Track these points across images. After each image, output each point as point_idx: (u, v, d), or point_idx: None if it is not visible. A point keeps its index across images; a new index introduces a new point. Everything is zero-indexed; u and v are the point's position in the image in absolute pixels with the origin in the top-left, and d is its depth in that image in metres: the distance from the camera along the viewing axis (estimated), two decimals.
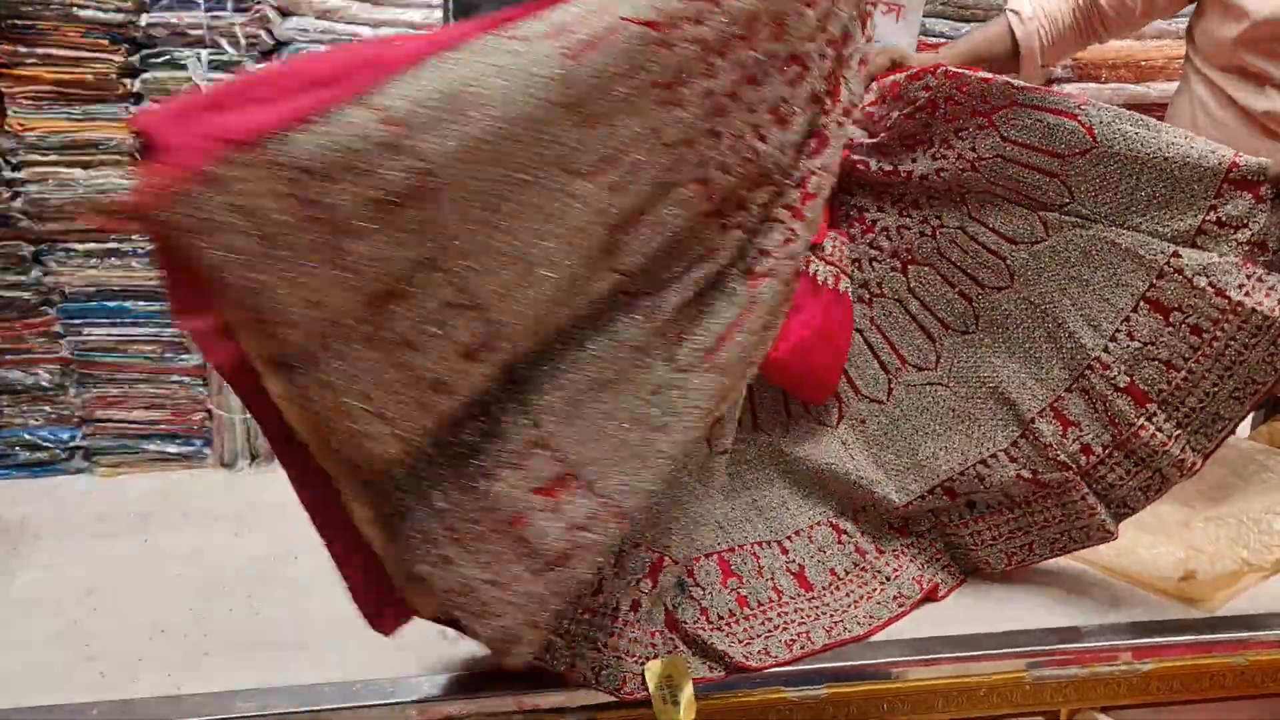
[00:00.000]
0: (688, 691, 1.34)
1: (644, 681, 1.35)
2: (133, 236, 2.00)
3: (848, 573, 1.56)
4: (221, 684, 1.39)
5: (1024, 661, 1.46)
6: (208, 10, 1.93)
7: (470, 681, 1.40)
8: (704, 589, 1.48)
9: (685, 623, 1.43)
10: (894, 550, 1.60)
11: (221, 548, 1.78)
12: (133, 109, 1.95)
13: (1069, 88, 2.23)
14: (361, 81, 0.98)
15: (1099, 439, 1.49)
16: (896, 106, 1.53)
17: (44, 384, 2.06)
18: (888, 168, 1.58)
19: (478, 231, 1.03)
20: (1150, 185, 1.41)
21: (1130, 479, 1.50)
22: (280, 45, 1.99)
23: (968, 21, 2.17)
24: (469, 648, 1.48)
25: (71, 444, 2.09)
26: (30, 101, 1.91)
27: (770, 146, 1.24)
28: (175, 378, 2.09)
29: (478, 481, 1.14)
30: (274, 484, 2.02)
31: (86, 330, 2.04)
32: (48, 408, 2.08)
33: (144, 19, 1.91)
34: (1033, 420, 1.52)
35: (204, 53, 1.94)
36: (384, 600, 1.26)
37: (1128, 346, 1.46)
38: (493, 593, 1.15)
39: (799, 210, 1.30)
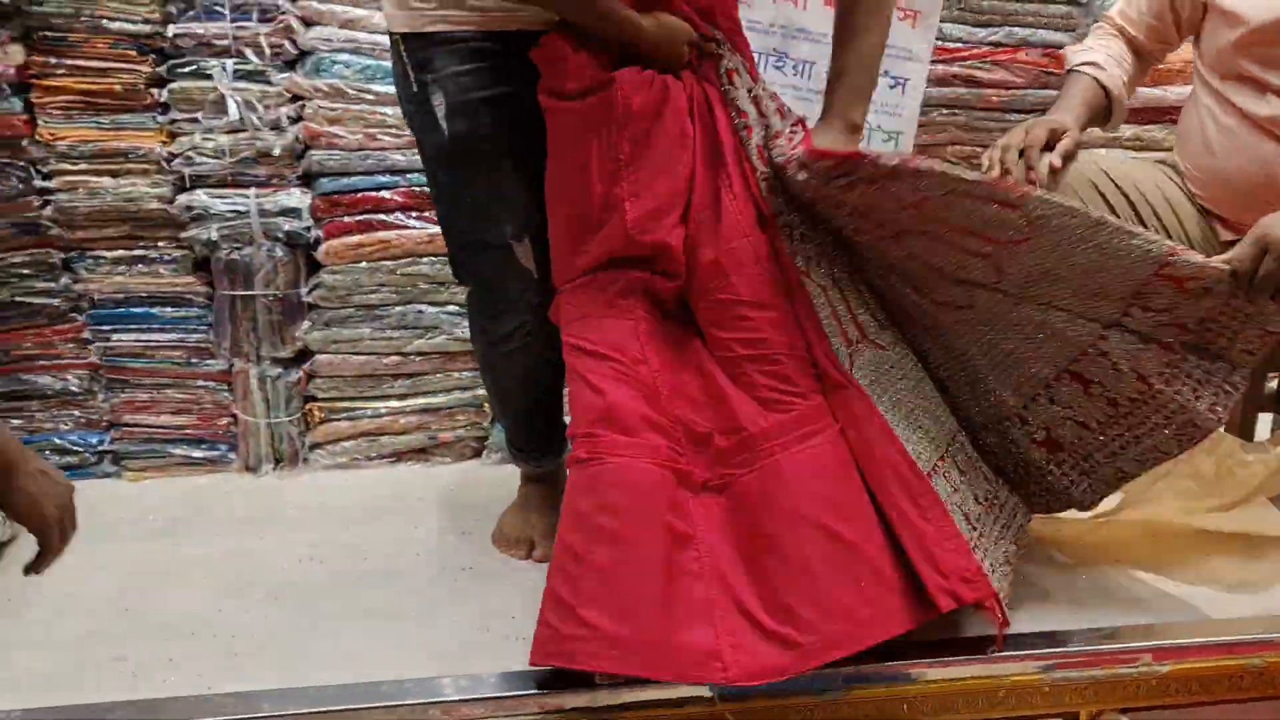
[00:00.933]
0: None
1: None
2: (159, 244, 2.04)
3: None
4: (249, 684, 1.42)
5: (1043, 663, 1.46)
6: (233, 21, 1.95)
7: (493, 683, 1.42)
8: None
9: None
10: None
11: (248, 550, 1.80)
12: (160, 119, 1.98)
13: None
14: None
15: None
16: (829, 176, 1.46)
17: (73, 389, 2.08)
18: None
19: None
20: (1082, 276, 1.41)
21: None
22: (304, 55, 2.01)
23: (985, 27, 2.17)
24: (492, 650, 1.50)
25: (100, 448, 2.11)
26: (60, 111, 1.94)
27: None
28: (201, 383, 2.12)
29: None
30: (297, 488, 2.07)
31: (114, 336, 2.07)
32: (77, 412, 2.10)
33: (170, 30, 1.94)
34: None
35: (229, 62, 1.96)
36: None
37: (1047, 409, 1.52)
38: None
39: None
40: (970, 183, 1.41)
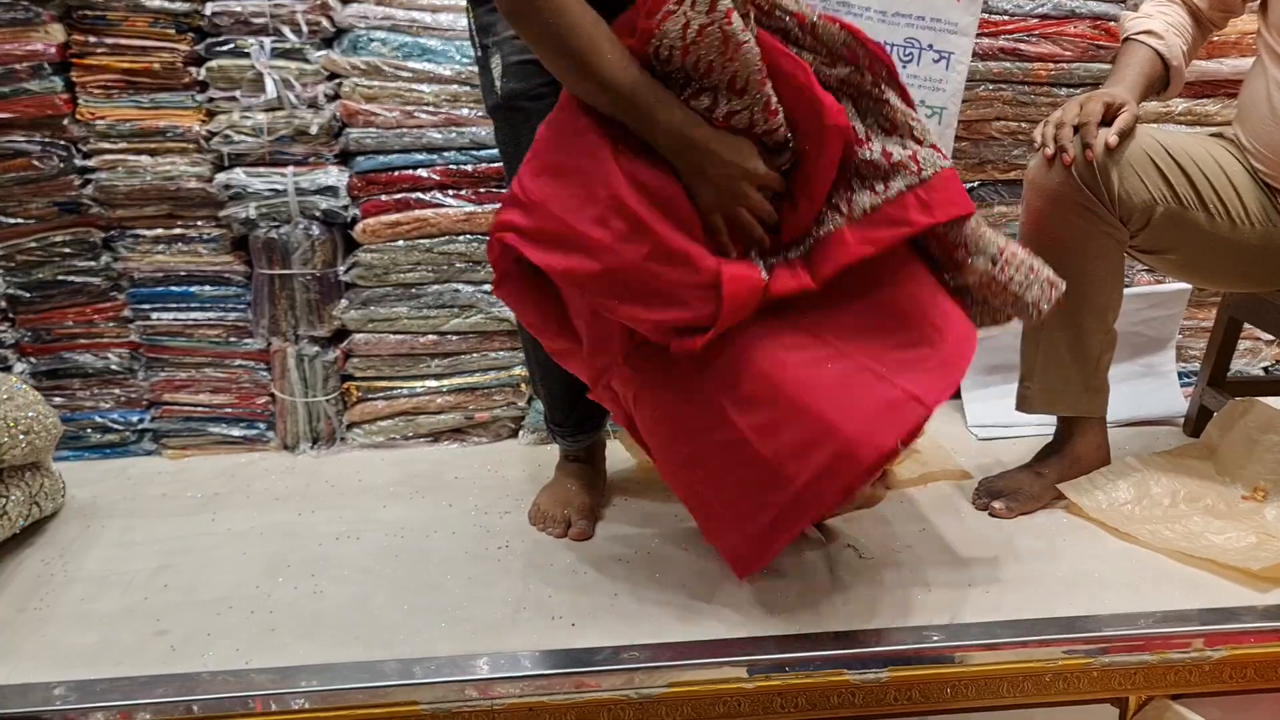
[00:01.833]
0: None
1: None
2: (197, 222, 2.04)
3: None
4: (287, 659, 1.42)
5: (1092, 647, 1.43)
6: None
7: (529, 661, 1.41)
8: None
9: None
10: None
11: (286, 528, 1.81)
12: (198, 97, 1.98)
13: None
14: None
15: None
16: None
17: (114, 367, 2.10)
18: None
19: None
20: None
21: None
22: (341, 32, 2.00)
23: None
24: (529, 629, 1.49)
25: (140, 426, 2.13)
26: (100, 90, 1.95)
27: None
28: (239, 362, 2.12)
29: None
30: (335, 466, 2.08)
31: (154, 315, 2.08)
32: (117, 390, 2.12)
33: (208, 8, 1.93)
34: None
35: (267, 40, 1.96)
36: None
37: None
38: None
39: None
40: None
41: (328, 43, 2.01)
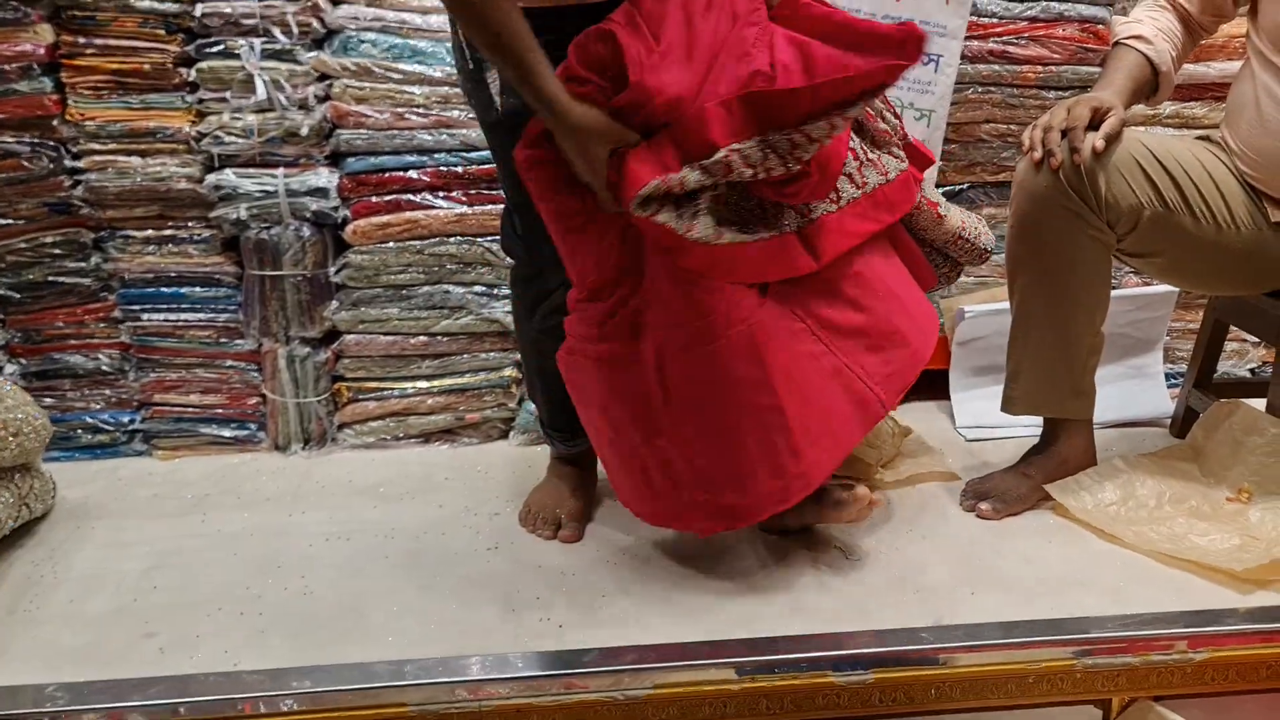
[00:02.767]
0: None
1: None
2: (188, 223, 2.04)
3: None
4: (277, 661, 1.42)
5: (1076, 648, 1.44)
6: (260, 0, 1.95)
7: (518, 662, 1.42)
8: None
9: None
10: None
11: (276, 528, 1.81)
12: (188, 98, 1.98)
13: None
14: None
15: None
16: None
17: (104, 368, 2.10)
18: None
19: None
20: None
21: None
22: (331, 33, 2.00)
23: (1021, 2, 2.13)
24: (519, 630, 1.50)
25: (131, 427, 2.13)
26: (90, 91, 1.95)
27: None
28: (230, 363, 2.13)
29: None
30: (325, 467, 2.08)
31: (145, 316, 2.08)
32: (108, 391, 2.12)
33: (198, 8, 1.93)
34: None
35: (257, 42, 1.96)
36: None
37: None
38: None
39: None
40: None
41: (318, 44, 2.01)
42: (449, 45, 2.01)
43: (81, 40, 1.93)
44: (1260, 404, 1.91)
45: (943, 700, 1.44)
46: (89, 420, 2.11)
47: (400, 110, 2.02)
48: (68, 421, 2.10)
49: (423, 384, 2.16)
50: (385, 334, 2.12)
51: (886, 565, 1.66)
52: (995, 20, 2.14)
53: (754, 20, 1.45)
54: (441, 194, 2.06)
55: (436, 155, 2.05)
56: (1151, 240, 1.72)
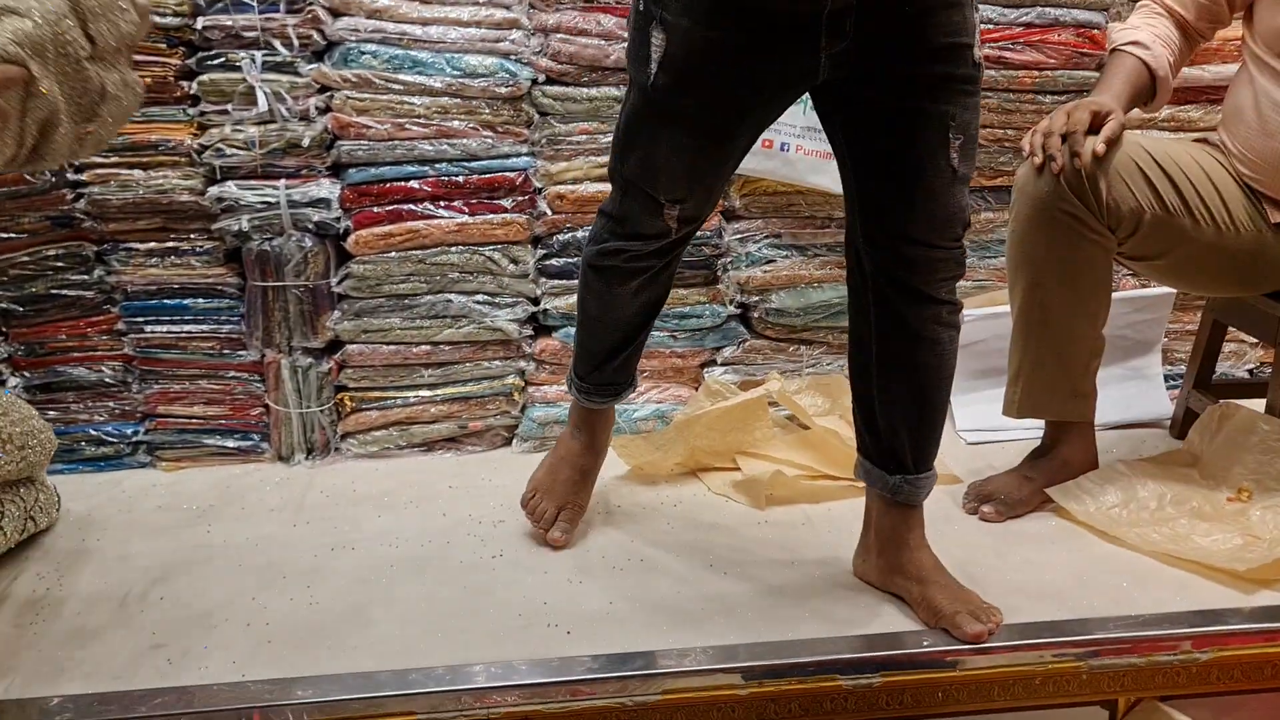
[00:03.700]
0: None
1: None
2: (190, 235, 2.05)
3: None
4: (284, 671, 1.43)
5: (1082, 650, 1.44)
6: (260, 12, 1.96)
7: (525, 670, 1.42)
8: None
9: None
10: None
11: (281, 539, 1.81)
12: (190, 111, 1.99)
13: None
14: None
15: None
16: None
17: (107, 380, 2.10)
18: None
19: None
20: None
21: None
22: (331, 45, 2.01)
23: (1017, 7, 2.14)
24: (525, 637, 1.50)
25: (134, 439, 2.13)
26: None
27: None
28: (233, 374, 2.13)
29: None
30: (329, 477, 2.08)
31: (148, 328, 2.08)
32: (111, 403, 2.12)
33: (199, 22, 1.94)
34: None
35: (258, 54, 1.97)
36: None
37: None
38: None
39: None
40: None
41: (319, 56, 2.02)
42: (448, 56, 2.02)
43: None
44: (1259, 404, 1.92)
45: (950, 703, 1.44)
46: (92, 433, 2.12)
47: (401, 121, 2.03)
48: (71, 434, 2.11)
49: (425, 393, 2.16)
50: (388, 343, 2.13)
51: None
52: (991, 25, 2.15)
53: None
54: (443, 204, 2.07)
55: (438, 165, 2.06)
56: (1152, 243, 1.73)
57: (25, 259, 2.02)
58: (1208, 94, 2.25)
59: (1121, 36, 1.81)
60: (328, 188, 2.03)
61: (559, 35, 2.04)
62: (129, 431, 2.13)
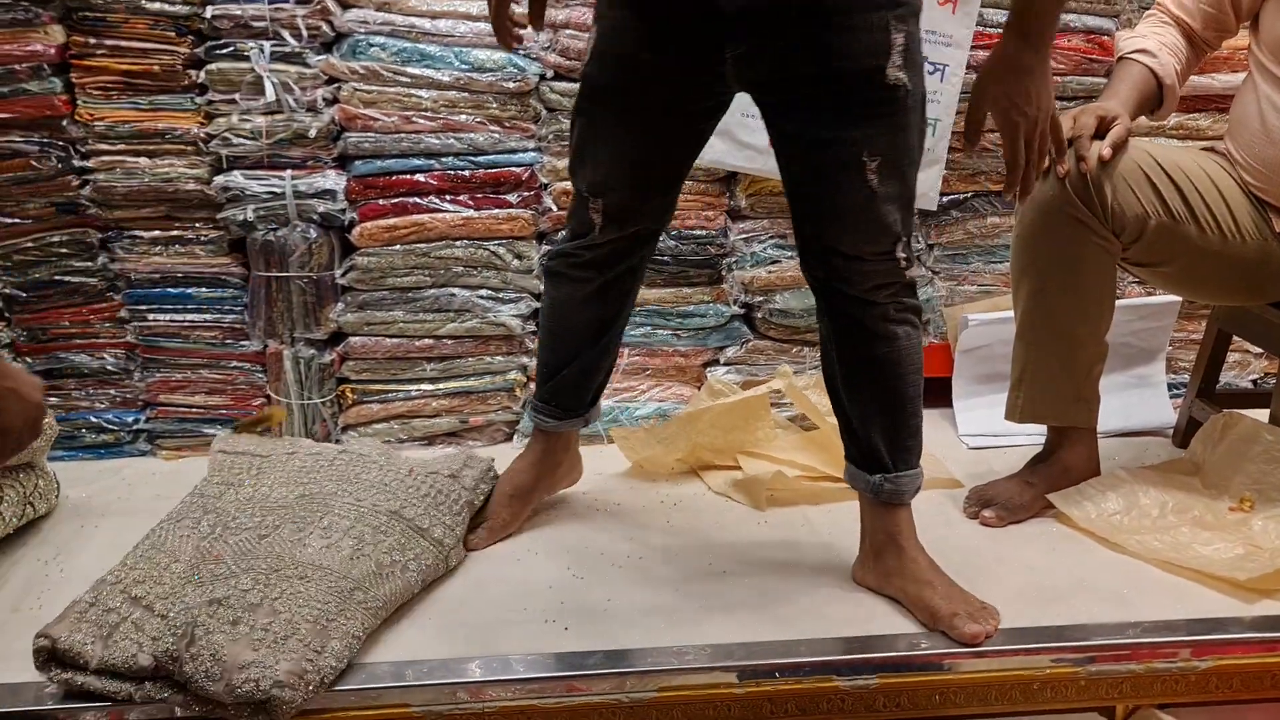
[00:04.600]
0: None
1: None
2: (195, 224, 2.05)
3: None
4: None
5: (1080, 656, 1.44)
6: (270, 2, 1.95)
7: (521, 665, 1.42)
8: None
9: None
10: None
11: None
12: (197, 99, 1.99)
13: None
14: None
15: None
16: None
17: (109, 368, 2.10)
18: None
19: None
20: None
21: None
22: (340, 37, 2.01)
23: None
24: (524, 632, 1.50)
25: (135, 427, 2.13)
26: (99, 91, 1.95)
27: None
28: (235, 364, 2.13)
29: None
30: None
31: (151, 316, 2.08)
32: (113, 391, 2.12)
33: (208, 11, 1.94)
34: None
35: (266, 44, 1.97)
36: None
37: None
38: None
39: None
40: None
41: (327, 47, 2.02)
42: (457, 50, 2.02)
43: (92, 41, 1.93)
44: (1263, 415, 1.91)
45: (947, 706, 1.44)
46: (93, 420, 2.11)
47: (408, 114, 2.02)
48: (72, 421, 2.10)
49: (427, 386, 2.16)
50: (390, 336, 2.12)
51: None
52: (999, 30, 2.14)
53: None
54: (448, 197, 2.07)
55: (444, 159, 2.06)
56: (1157, 250, 1.73)
57: (30, 244, 2.02)
58: (1216, 102, 2.24)
59: (1129, 45, 1.80)
60: (333, 179, 2.03)
61: (568, 31, 2.04)
62: (130, 419, 2.13)
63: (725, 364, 2.25)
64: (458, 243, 2.08)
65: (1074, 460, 1.85)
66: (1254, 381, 2.42)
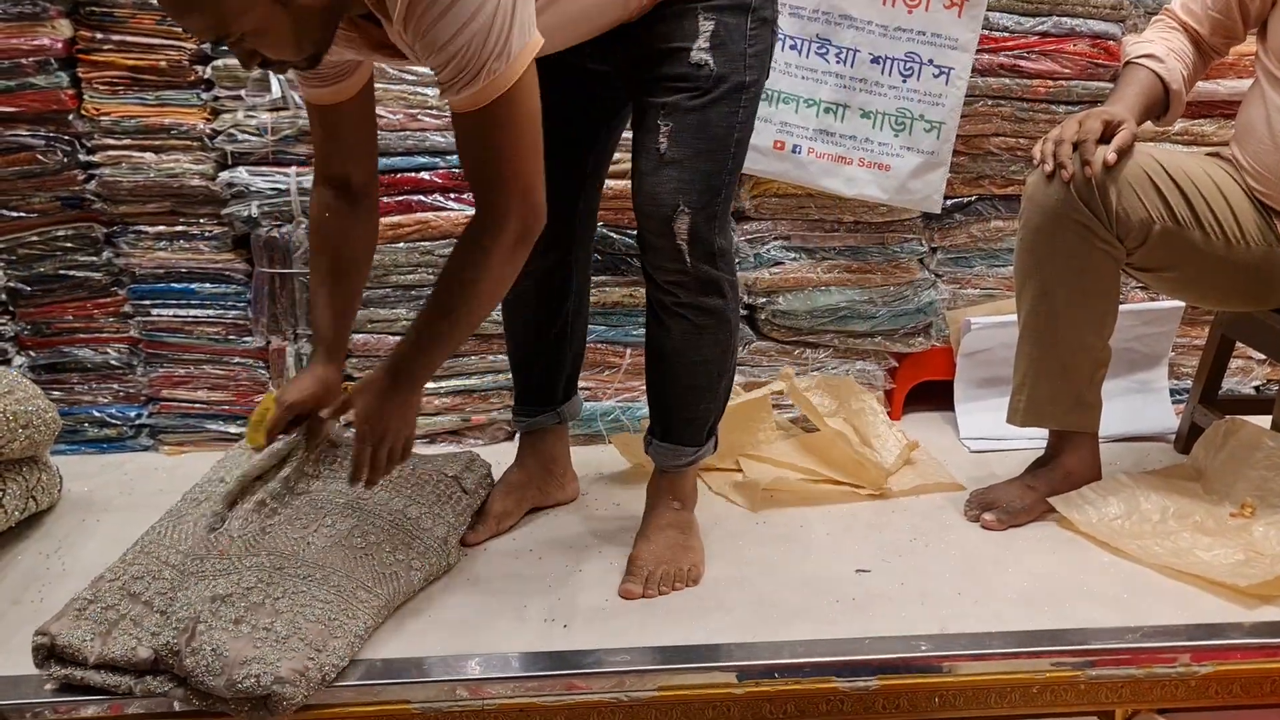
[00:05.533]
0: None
1: None
2: (200, 220, 2.05)
3: None
4: None
5: (1080, 659, 1.44)
6: None
7: (520, 663, 1.42)
8: None
9: None
10: None
11: None
12: (203, 95, 1.99)
13: None
14: None
15: None
16: None
17: (113, 362, 2.11)
18: None
19: None
20: None
21: None
22: None
23: (1033, 16, 2.13)
24: (527, 629, 1.50)
25: (138, 421, 2.14)
26: (105, 86, 1.96)
27: None
28: (238, 360, 2.13)
29: None
30: None
31: (154, 311, 2.09)
32: (116, 385, 2.13)
33: None
34: None
35: None
36: None
37: None
38: None
39: None
40: None
41: None
42: None
43: (99, 36, 1.94)
44: (1265, 421, 1.91)
45: (946, 708, 1.44)
46: (96, 414, 2.12)
47: (413, 111, 2.03)
48: (75, 415, 2.11)
49: (429, 384, 2.16)
50: (394, 334, 2.13)
51: (891, 573, 1.66)
52: (1007, 34, 2.15)
53: None
54: (453, 195, 2.07)
55: (449, 156, 2.06)
56: (1161, 255, 1.73)
57: (35, 239, 2.02)
58: (1222, 108, 2.24)
59: (1136, 50, 1.80)
60: None
61: None
62: (132, 414, 2.13)
63: None
64: None
65: (1075, 464, 1.85)
66: (1256, 388, 2.42)
